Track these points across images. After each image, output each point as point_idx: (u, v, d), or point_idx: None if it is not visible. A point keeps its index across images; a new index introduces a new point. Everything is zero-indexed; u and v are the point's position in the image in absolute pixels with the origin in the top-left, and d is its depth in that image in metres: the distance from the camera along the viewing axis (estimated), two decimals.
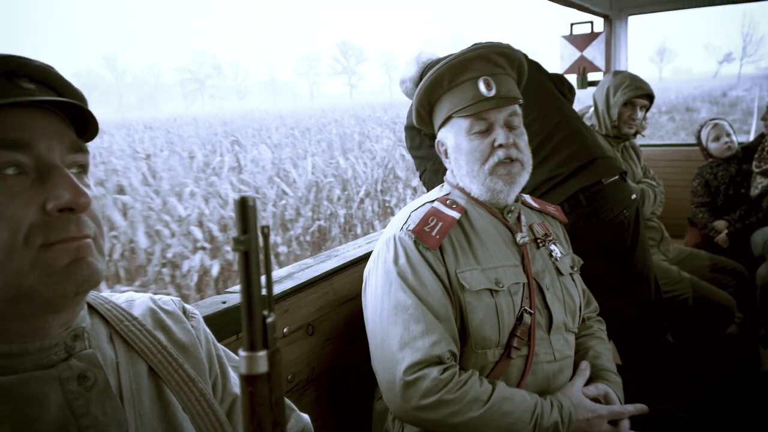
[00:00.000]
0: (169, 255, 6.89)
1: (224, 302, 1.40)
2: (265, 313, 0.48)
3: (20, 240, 0.70)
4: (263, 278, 0.49)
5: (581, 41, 3.96)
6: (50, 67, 0.79)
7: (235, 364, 1.04)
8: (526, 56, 2.48)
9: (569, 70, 4.01)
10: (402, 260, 1.44)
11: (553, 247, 1.62)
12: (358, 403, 1.76)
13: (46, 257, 0.71)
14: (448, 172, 1.65)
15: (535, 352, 1.47)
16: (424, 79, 1.55)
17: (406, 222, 1.50)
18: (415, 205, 1.57)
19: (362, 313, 1.81)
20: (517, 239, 1.54)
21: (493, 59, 1.52)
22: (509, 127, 1.51)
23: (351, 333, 1.77)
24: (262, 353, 0.48)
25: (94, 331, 0.85)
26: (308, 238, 8.72)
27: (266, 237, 0.49)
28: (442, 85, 1.53)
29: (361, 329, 1.81)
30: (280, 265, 7.16)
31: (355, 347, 1.78)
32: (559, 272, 1.60)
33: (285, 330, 1.53)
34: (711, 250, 3.33)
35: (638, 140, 3.36)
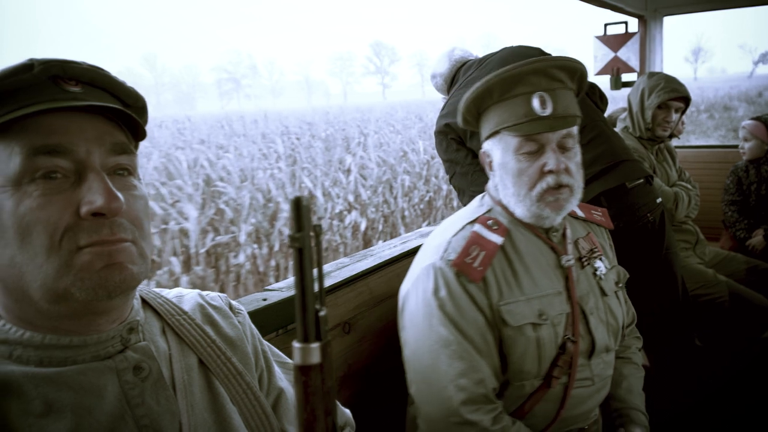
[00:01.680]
0: (335, 211, 8.88)
1: (265, 299, 1.43)
2: (318, 307, 0.51)
3: (56, 242, 0.71)
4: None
5: (615, 42, 3.91)
6: (98, 68, 0.80)
7: (278, 359, 1.07)
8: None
9: (603, 71, 3.97)
10: (443, 293, 1.37)
11: (598, 263, 1.55)
12: (392, 401, 1.78)
13: (80, 260, 0.72)
14: (490, 185, 1.56)
15: (575, 379, 1.45)
16: (473, 88, 1.43)
17: (446, 250, 1.42)
18: (454, 228, 1.48)
19: (397, 312, 1.85)
20: (562, 262, 1.48)
21: (552, 73, 1.39)
22: (562, 148, 1.39)
23: (386, 332, 1.80)
24: (315, 345, 0.50)
25: (148, 325, 0.88)
26: (422, 206, 10.50)
27: (318, 235, 0.51)
28: (492, 96, 1.41)
29: (396, 329, 1.85)
30: (406, 227, 9.37)
31: (390, 346, 1.80)
32: (604, 293, 1.54)
33: None
34: (747, 253, 3.29)
35: (673, 142, 3.32)
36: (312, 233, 0.50)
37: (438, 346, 1.36)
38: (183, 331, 0.91)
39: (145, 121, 0.88)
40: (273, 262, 7.19)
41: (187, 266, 6.62)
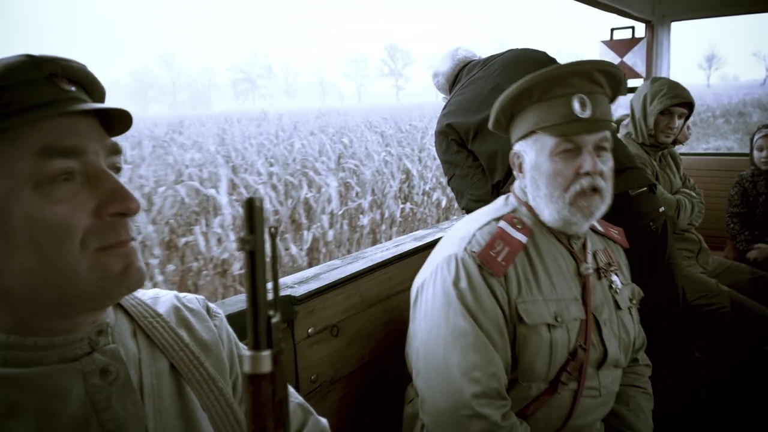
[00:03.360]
0: (426, 188, 10.65)
1: None
2: (271, 313, 0.48)
3: (77, 245, 0.72)
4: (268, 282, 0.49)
5: (621, 47, 3.87)
6: (85, 67, 0.80)
7: None
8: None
9: None
10: (463, 283, 1.38)
11: (614, 278, 1.57)
12: (381, 406, 1.76)
13: (102, 262, 0.74)
14: (516, 186, 1.56)
15: (584, 387, 1.45)
16: (512, 87, 1.43)
17: (470, 242, 1.43)
18: (479, 222, 1.49)
19: (388, 316, 1.82)
20: (581, 270, 1.49)
21: (593, 77, 1.40)
22: (597, 151, 1.40)
23: (376, 336, 1.78)
24: (266, 353, 0.48)
25: (118, 327, 0.86)
26: None
27: (273, 237, 0.49)
28: (531, 96, 1.42)
29: (387, 332, 1.82)
30: None
31: (380, 350, 1.80)
32: (618, 306, 1.54)
33: (310, 330, 1.54)
34: (751, 263, 3.24)
35: (678, 148, 3.28)
36: (267, 236, 0.48)
37: (454, 337, 1.36)
38: (155, 334, 0.89)
39: None
40: (383, 227, 8.98)
41: (331, 224, 8.18)
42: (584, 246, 1.54)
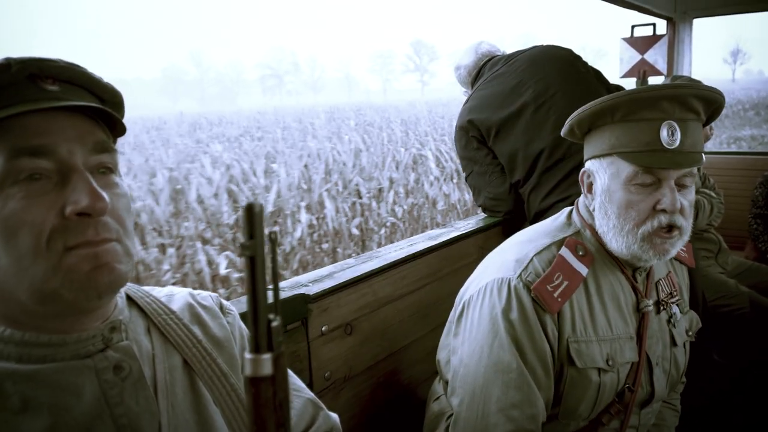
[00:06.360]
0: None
1: None
2: (271, 316, 0.49)
3: (43, 244, 0.71)
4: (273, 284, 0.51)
5: (642, 44, 3.81)
6: (76, 66, 0.79)
7: None
8: (598, 71, 2.44)
9: (629, 74, 3.87)
10: (514, 315, 1.27)
11: (674, 309, 1.44)
12: (394, 404, 1.78)
13: (68, 263, 0.72)
14: (581, 203, 1.42)
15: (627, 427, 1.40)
16: (594, 103, 1.28)
17: (525, 268, 1.30)
18: (539, 244, 1.35)
19: (401, 315, 1.83)
20: (641, 306, 1.37)
21: (689, 103, 1.22)
22: (679, 186, 1.24)
23: (389, 335, 1.80)
24: (267, 356, 0.49)
25: (132, 324, 0.87)
26: None
27: (273, 242, 0.49)
28: (614, 115, 1.25)
29: (400, 332, 1.83)
30: None
31: (393, 349, 1.81)
32: (674, 343, 1.44)
33: (324, 328, 1.56)
34: None
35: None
36: (267, 241, 0.49)
37: (495, 370, 1.27)
38: (169, 330, 0.90)
39: (122, 116, 0.87)
40: (468, 196, 10.40)
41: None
42: (648, 276, 1.41)
